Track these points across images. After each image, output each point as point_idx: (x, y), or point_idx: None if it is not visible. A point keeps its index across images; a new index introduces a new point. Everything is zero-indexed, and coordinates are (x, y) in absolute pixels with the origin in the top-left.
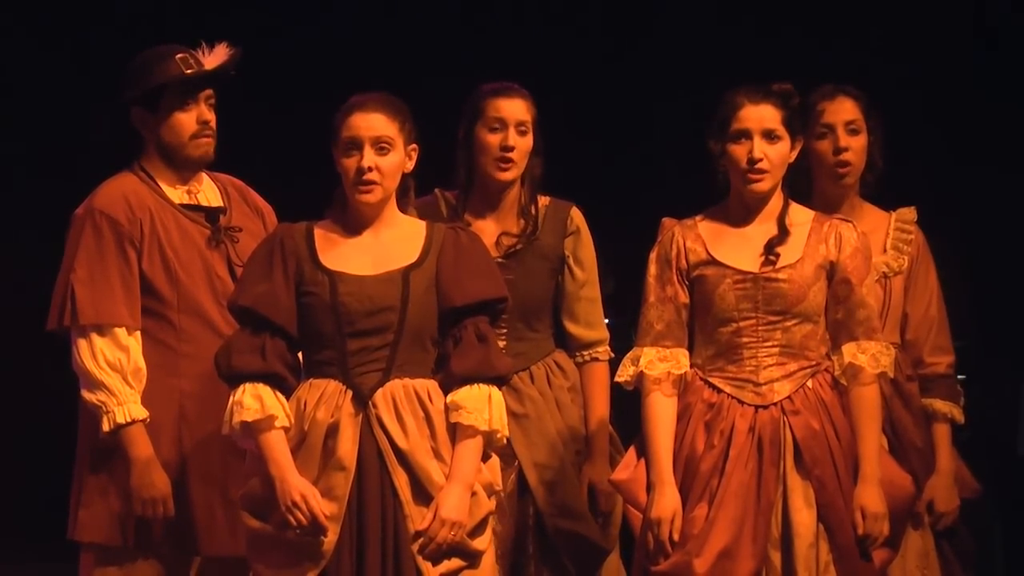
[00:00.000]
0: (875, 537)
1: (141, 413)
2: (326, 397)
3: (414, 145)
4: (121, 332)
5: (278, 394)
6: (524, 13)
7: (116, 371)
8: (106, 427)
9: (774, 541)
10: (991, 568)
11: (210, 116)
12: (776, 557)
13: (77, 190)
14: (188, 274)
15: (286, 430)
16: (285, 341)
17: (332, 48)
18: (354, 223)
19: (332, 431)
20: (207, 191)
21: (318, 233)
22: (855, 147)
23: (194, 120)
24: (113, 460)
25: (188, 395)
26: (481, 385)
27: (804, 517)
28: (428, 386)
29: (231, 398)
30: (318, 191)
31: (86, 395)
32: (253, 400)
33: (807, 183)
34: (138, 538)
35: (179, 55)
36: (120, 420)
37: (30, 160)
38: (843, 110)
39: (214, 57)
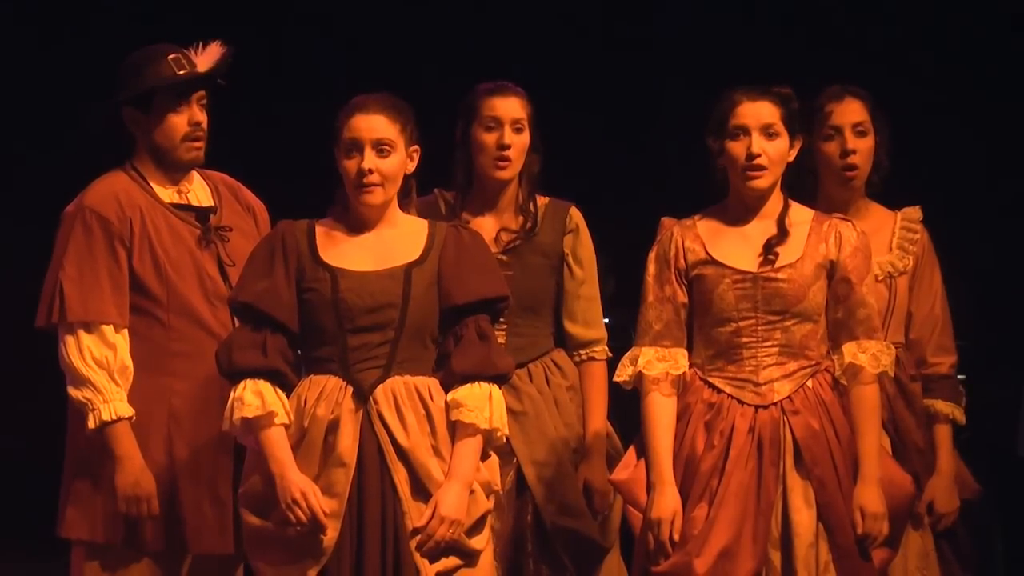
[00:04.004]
0: (874, 537)
1: (127, 411)
2: (326, 393)
3: (416, 146)
4: (108, 330)
5: (278, 391)
6: (525, 10)
7: (102, 368)
8: (91, 424)
9: (774, 541)
10: (991, 569)
11: (202, 117)
12: (776, 557)
13: (67, 188)
14: (178, 273)
15: (286, 427)
16: (286, 337)
17: (329, 47)
18: (356, 222)
19: (332, 427)
20: (198, 190)
21: (320, 231)
22: (862, 149)
23: (185, 122)
24: (100, 457)
25: (178, 394)
26: (482, 383)
27: (804, 517)
28: (429, 383)
29: (232, 394)
30: (313, 190)
31: (72, 392)
32: (254, 396)
33: (813, 184)
34: (127, 536)
35: (171, 55)
36: (105, 417)
37: (20, 157)
38: (850, 111)
39: (207, 58)
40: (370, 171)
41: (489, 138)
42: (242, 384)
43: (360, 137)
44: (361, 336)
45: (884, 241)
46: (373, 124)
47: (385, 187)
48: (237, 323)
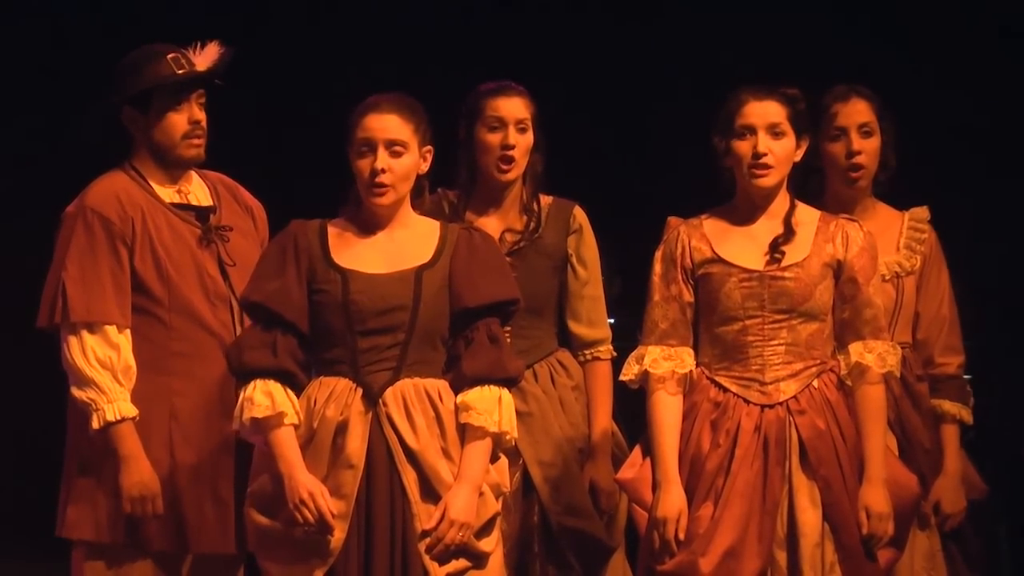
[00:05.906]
0: (880, 537)
1: (130, 411)
2: (336, 395)
3: (429, 147)
4: (111, 330)
5: (288, 391)
6: (529, 9)
7: (106, 369)
8: (95, 424)
9: (779, 541)
10: (997, 569)
11: (201, 116)
12: (781, 557)
13: (66, 188)
14: (179, 273)
15: (296, 427)
16: (296, 338)
17: (327, 46)
18: (368, 223)
19: (341, 429)
20: (197, 190)
21: (332, 231)
22: (868, 150)
23: (185, 120)
24: (102, 458)
25: (179, 393)
26: (492, 386)
27: (809, 517)
28: (439, 386)
29: (241, 394)
30: (312, 190)
31: (76, 392)
32: (263, 396)
33: (820, 183)
34: (128, 535)
35: (170, 55)
36: (109, 418)
37: (18, 157)
38: (856, 112)
39: (205, 57)
40: (382, 171)
41: (493, 138)
42: (252, 384)
43: (373, 137)
44: (371, 338)
45: (891, 241)
46: (386, 124)
47: (397, 187)
48: (247, 323)
